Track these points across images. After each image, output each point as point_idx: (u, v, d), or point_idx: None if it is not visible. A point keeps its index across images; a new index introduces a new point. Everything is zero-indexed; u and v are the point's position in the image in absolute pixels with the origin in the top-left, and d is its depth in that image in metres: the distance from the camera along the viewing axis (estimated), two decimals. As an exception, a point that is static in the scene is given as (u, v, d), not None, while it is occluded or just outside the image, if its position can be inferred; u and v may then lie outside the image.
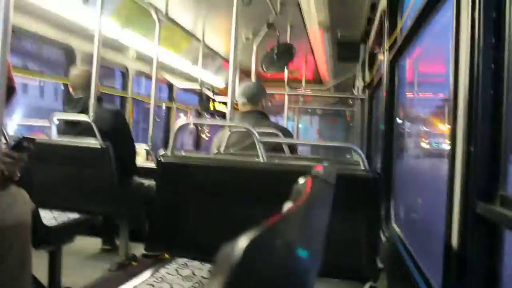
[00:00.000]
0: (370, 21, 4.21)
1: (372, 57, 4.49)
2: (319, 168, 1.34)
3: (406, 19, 2.39)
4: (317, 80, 7.72)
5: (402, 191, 3.02)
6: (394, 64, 2.78)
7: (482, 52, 1.04)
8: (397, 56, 2.62)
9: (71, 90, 3.23)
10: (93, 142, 2.83)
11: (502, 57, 1.03)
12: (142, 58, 5.27)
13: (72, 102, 3.16)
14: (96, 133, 2.81)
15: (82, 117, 2.93)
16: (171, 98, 6.76)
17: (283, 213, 0.49)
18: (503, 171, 1.06)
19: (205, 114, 7.09)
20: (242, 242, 0.33)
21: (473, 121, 1.07)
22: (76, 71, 3.29)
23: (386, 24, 2.92)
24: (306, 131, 12.32)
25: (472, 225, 1.10)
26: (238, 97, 3.13)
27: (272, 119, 3.69)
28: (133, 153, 3.35)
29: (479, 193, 1.06)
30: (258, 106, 3.16)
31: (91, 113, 2.91)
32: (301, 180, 0.87)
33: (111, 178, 2.87)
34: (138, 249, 3.46)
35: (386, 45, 2.86)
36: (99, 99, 3.10)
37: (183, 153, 2.15)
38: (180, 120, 2.19)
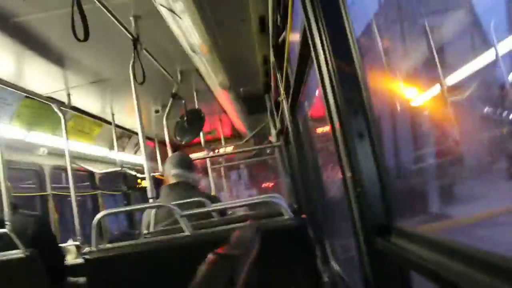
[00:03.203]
0: (267, 73, 4.42)
1: (278, 106, 4.68)
2: (236, 235, 1.37)
3: (292, 68, 2.54)
4: (236, 135, 7.87)
5: (332, 228, 3.10)
6: (294, 109, 2.92)
7: (344, 101, 1.14)
8: (294, 102, 2.76)
9: None
10: (13, 253, 2.70)
11: (362, 100, 1.13)
12: (56, 152, 5.15)
13: None
14: (17, 243, 2.69)
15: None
16: (93, 185, 6.60)
17: None
18: (392, 206, 1.13)
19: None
20: None
21: (353, 163, 1.15)
22: None
23: (278, 75, 3.08)
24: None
25: (376, 261, 1.15)
26: (168, 168, 3.17)
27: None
28: (60, 256, 3.23)
29: (376, 230, 1.12)
30: (186, 178, 3.19)
31: (7, 223, 2.78)
32: (206, 260, 0.90)
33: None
34: None
35: (282, 94, 3.01)
36: (15, 206, 2.97)
37: (108, 245, 2.12)
38: (99, 214, 2.17)
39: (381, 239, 1.09)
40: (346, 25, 1.17)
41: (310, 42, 1.31)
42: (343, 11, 1.18)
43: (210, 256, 0.95)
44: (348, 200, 1.25)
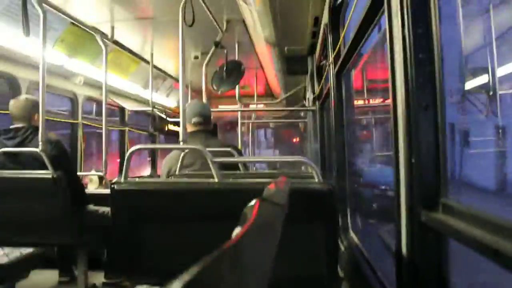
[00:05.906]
0: (314, 34, 4.32)
1: (320, 69, 4.60)
2: (271, 187, 1.36)
3: (348, 32, 2.47)
4: (268, 93, 7.80)
5: (357, 199, 3.09)
6: (339, 75, 2.86)
7: (415, 67, 1.09)
8: (342, 68, 2.70)
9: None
10: (43, 173, 2.77)
11: (433, 71, 1.09)
12: (90, 83, 5.20)
13: (9, 132, 3.04)
14: (46, 164, 2.75)
15: (31, 149, 2.86)
16: (123, 121, 6.68)
17: (225, 245, 0.49)
18: (444, 180, 1.10)
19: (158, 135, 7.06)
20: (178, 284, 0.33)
21: (413, 133, 1.11)
22: (14, 101, 3.16)
23: (329, 38, 3.01)
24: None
25: (419, 233, 1.14)
26: (190, 116, 3.10)
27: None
28: (79, 180, 3.30)
29: (423, 202, 1.10)
30: (208, 126, 3.16)
31: (40, 143, 2.84)
32: (250, 204, 0.88)
33: (64, 208, 2.80)
34: (98, 278, 3.38)
35: (331, 57, 2.94)
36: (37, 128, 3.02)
37: (137, 179, 2.13)
38: (133, 147, 2.17)
39: (427, 212, 1.07)
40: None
41: (386, 5, 1.25)
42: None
43: (255, 201, 0.92)
44: (397, 170, 1.22)
